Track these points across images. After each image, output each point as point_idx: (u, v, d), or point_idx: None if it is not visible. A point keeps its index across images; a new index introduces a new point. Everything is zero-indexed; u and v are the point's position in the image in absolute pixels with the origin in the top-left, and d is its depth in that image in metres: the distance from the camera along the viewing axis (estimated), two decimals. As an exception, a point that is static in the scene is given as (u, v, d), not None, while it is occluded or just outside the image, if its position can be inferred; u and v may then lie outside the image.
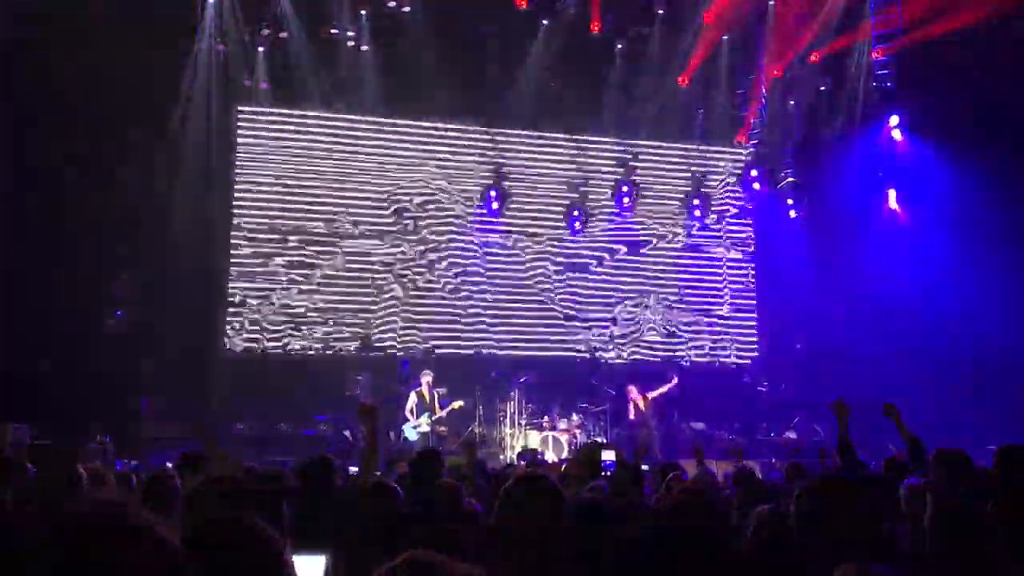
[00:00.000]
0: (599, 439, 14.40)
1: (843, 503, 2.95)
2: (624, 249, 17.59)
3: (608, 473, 4.64)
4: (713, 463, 8.60)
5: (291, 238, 15.91)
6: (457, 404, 13.84)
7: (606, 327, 17.25)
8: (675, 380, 15.11)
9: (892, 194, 17.04)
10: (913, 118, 16.51)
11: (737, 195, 18.27)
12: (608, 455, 4.70)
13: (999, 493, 2.66)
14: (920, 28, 15.50)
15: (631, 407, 14.78)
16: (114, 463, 10.65)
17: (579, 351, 17.08)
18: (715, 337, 17.80)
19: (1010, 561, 2.46)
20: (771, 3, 16.71)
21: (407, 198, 16.56)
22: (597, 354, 17.05)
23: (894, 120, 16.78)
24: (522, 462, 11.02)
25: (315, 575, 2.99)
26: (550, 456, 13.52)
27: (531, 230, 17.20)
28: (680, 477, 5.86)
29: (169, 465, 9.20)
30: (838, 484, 3.14)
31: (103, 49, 12.90)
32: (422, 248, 16.55)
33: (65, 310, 13.42)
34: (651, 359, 17.22)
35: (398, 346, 16.08)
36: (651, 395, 14.77)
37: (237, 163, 15.84)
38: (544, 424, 14.72)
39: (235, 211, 15.73)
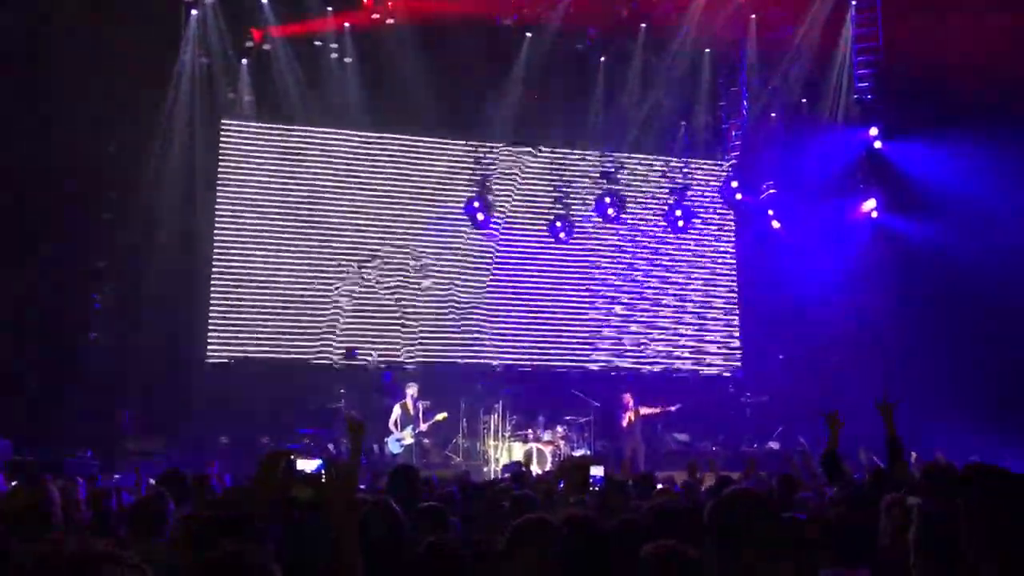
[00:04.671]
0: (584, 451, 14.42)
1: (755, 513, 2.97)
2: (607, 260, 17.64)
3: (596, 488, 4.65)
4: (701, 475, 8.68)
5: (274, 248, 15.87)
6: (441, 416, 13.81)
7: (589, 338, 17.29)
8: (675, 408, 15.10)
9: (872, 203, 17.18)
10: (893, 129, 16.67)
11: (719, 206, 18.38)
12: (596, 470, 4.71)
13: (966, 512, 2.70)
14: (900, 43, 15.68)
15: (624, 416, 14.75)
16: (96, 478, 10.58)
17: (563, 362, 17.10)
18: (698, 348, 17.86)
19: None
20: (752, 17, 16.86)
21: (391, 210, 16.56)
22: (580, 365, 17.08)
23: (874, 131, 16.95)
24: (507, 475, 11.01)
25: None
26: (534, 468, 13.50)
27: (514, 242, 17.24)
28: (671, 489, 5.88)
29: (152, 481, 9.18)
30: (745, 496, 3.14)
31: (85, 61, 12.86)
32: (406, 260, 16.54)
33: (47, 323, 13.34)
34: (634, 368, 17.26)
35: (379, 358, 16.02)
36: (643, 411, 14.78)
37: (220, 175, 15.79)
38: (528, 436, 14.71)
39: (218, 223, 15.67)
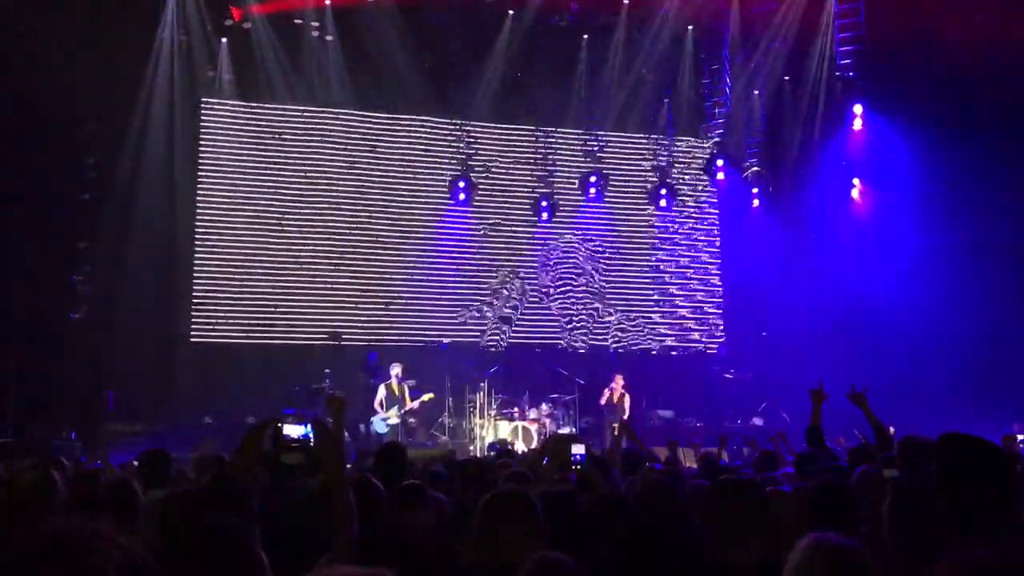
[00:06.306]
0: (569, 429, 14.46)
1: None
2: (591, 239, 17.65)
3: (578, 467, 4.67)
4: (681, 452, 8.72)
5: (256, 228, 15.79)
6: (427, 396, 13.82)
7: (573, 316, 17.32)
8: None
9: (856, 183, 17.21)
10: (876, 107, 16.68)
11: (702, 185, 18.39)
12: (578, 448, 4.73)
13: (937, 480, 2.77)
14: (882, 20, 15.68)
15: (608, 394, 14.70)
16: (81, 460, 10.55)
17: (548, 340, 17.14)
18: (682, 325, 17.93)
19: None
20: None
21: (374, 189, 16.49)
22: (565, 343, 17.13)
23: (857, 109, 16.93)
24: (492, 452, 11.06)
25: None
26: (520, 446, 13.55)
27: (499, 221, 17.21)
28: (655, 468, 5.92)
29: (136, 463, 9.14)
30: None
31: (64, 39, 12.71)
32: (390, 239, 16.49)
33: (28, 305, 13.23)
34: (617, 346, 17.33)
35: (364, 338, 16.01)
36: (625, 401, 14.74)
37: (201, 154, 15.67)
38: (514, 414, 14.74)
39: (199, 202, 15.56)
